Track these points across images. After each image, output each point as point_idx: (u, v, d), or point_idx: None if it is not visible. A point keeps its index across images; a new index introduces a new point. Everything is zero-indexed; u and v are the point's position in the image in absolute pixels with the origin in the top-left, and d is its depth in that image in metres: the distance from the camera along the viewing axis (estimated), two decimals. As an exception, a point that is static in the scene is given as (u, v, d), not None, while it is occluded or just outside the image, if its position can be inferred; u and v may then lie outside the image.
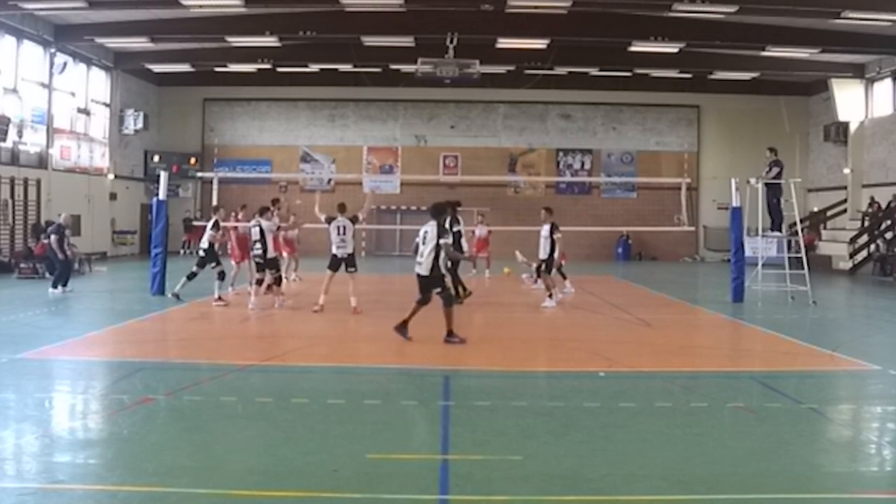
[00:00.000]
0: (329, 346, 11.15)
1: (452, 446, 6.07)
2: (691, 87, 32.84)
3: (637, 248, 33.59)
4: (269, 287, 16.26)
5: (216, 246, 15.55)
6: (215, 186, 18.01)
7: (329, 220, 14.03)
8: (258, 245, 14.29)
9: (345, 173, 33.23)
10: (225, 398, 7.48)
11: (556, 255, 15.40)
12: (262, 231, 14.23)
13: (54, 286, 16.33)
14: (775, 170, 16.49)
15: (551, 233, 15.28)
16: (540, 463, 5.71)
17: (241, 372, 8.76)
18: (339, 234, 13.90)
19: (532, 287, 19.61)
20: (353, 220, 14.16)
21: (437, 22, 23.64)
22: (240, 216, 17.34)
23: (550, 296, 15.47)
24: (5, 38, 22.83)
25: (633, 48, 26.10)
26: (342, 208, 14.15)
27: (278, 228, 14.59)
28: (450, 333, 10.56)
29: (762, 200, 16.87)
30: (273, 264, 14.46)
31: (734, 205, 16.93)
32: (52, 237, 16.87)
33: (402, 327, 10.74)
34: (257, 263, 14.46)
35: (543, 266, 15.55)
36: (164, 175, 16.87)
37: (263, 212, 14.49)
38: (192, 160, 32.93)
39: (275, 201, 17.45)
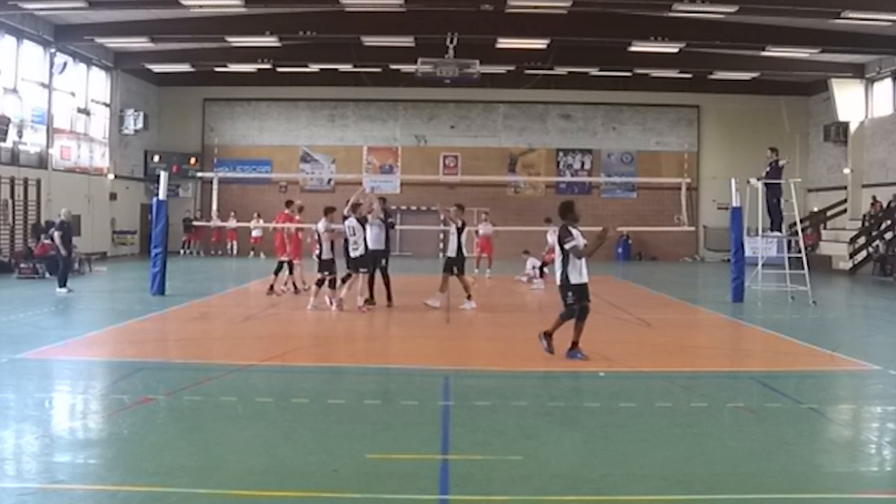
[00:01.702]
0: (329, 346, 11.15)
1: (452, 446, 6.06)
2: (691, 87, 32.84)
3: (637, 248, 33.59)
4: (270, 287, 16.30)
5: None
6: (215, 187, 18.01)
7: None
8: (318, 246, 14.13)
9: (345, 173, 33.20)
10: (225, 398, 7.47)
11: (464, 252, 14.73)
12: (318, 233, 14.09)
13: (61, 285, 16.33)
14: (776, 170, 16.52)
15: (458, 231, 14.61)
16: (540, 463, 5.71)
17: (241, 372, 8.75)
18: (351, 234, 13.88)
19: (532, 287, 19.65)
20: (363, 221, 14.08)
21: (437, 22, 23.65)
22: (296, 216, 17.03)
23: (469, 297, 14.53)
24: (5, 38, 22.82)
25: (633, 48, 26.10)
26: (352, 209, 13.98)
27: (333, 231, 14.41)
28: (573, 346, 9.64)
29: (762, 200, 16.88)
30: (327, 266, 14.06)
31: (734, 205, 16.92)
32: (56, 233, 16.86)
33: (548, 338, 9.78)
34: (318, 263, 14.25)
35: (455, 268, 14.62)
36: (164, 175, 16.85)
37: (328, 212, 14.23)
38: (192, 160, 32.93)
39: (288, 203, 17.36)
